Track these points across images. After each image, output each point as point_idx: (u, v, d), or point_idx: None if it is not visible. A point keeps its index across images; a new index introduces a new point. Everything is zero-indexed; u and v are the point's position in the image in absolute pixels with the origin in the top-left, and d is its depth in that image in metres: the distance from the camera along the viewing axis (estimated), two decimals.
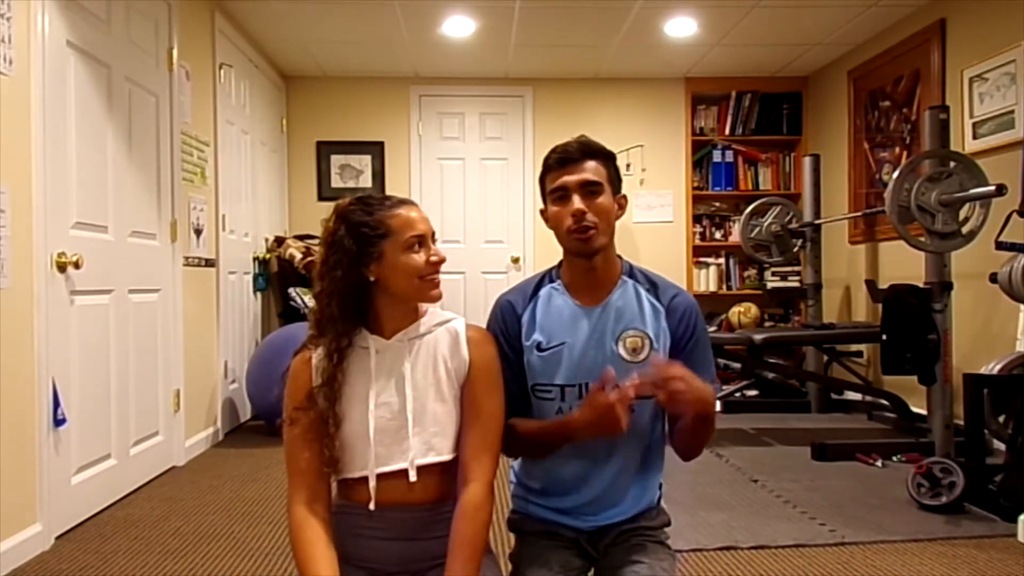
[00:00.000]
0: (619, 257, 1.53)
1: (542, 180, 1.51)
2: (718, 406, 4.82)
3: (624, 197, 1.50)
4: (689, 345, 1.47)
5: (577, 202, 1.42)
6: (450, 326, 1.40)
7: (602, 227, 1.42)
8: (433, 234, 1.38)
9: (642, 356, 1.44)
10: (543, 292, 1.51)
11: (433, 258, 1.35)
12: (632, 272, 1.51)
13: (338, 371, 1.32)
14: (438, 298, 1.38)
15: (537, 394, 1.48)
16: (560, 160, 1.46)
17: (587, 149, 1.46)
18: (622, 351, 1.43)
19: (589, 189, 1.43)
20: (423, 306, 1.40)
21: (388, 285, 1.34)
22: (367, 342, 1.36)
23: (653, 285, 1.50)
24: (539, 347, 1.47)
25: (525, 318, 1.49)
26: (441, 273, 1.38)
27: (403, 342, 1.36)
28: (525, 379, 1.48)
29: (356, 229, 1.32)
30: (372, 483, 1.32)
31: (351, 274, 1.32)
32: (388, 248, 1.32)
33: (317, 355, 1.35)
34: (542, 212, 1.52)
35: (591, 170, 1.44)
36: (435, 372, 1.36)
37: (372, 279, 1.33)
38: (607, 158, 1.48)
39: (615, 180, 1.48)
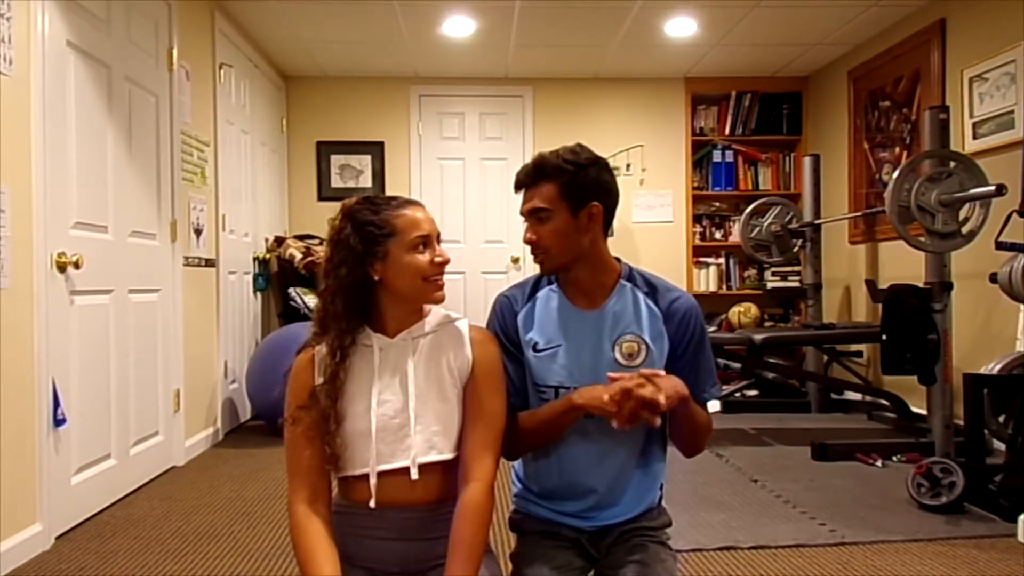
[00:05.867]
0: (617, 260, 1.52)
1: None
2: (718, 406, 4.84)
3: (596, 205, 1.43)
4: (688, 349, 1.47)
5: (527, 231, 1.46)
6: (454, 326, 1.40)
7: (556, 251, 1.44)
8: (438, 235, 1.38)
9: (638, 361, 1.44)
10: (541, 293, 1.52)
11: (437, 259, 1.35)
12: (631, 276, 1.51)
13: (341, 368, 1.33)
14: (441, 300, 1.38)
15: (536, 393, 1.48)
16: (516, 184, 1.48)
17: (537, 171, 1.44)
18: (618, 356, 1.44)
19: (537, 216, 1.43)
20: (427, 305, 1.41)
21: (392, 285, 1.34)
22: (371, 340, 1.36)
23: (652, 289, 1.50)
24: (535, 347, 1.47)
25: (521, 316, 1.50)
26: (445, 273, 1.39)
27: (407, 341, 1.37)
28: (525, 375, 1.49)
29: (362, 228, 1.33)
30: (373, 480, 1.32)
31: (356, 273, 1.32)
32: (393, 248, 1.32)
33: (320, 353, 1.35)
34: None
35: (540, 195, 1.43)
36: (438, 371, 1.36)
37: (376, 278, 1.33)
38: (563, 174, 1.41)
39: (577, 195, 1.41)
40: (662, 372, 1.34)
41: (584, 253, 1.45)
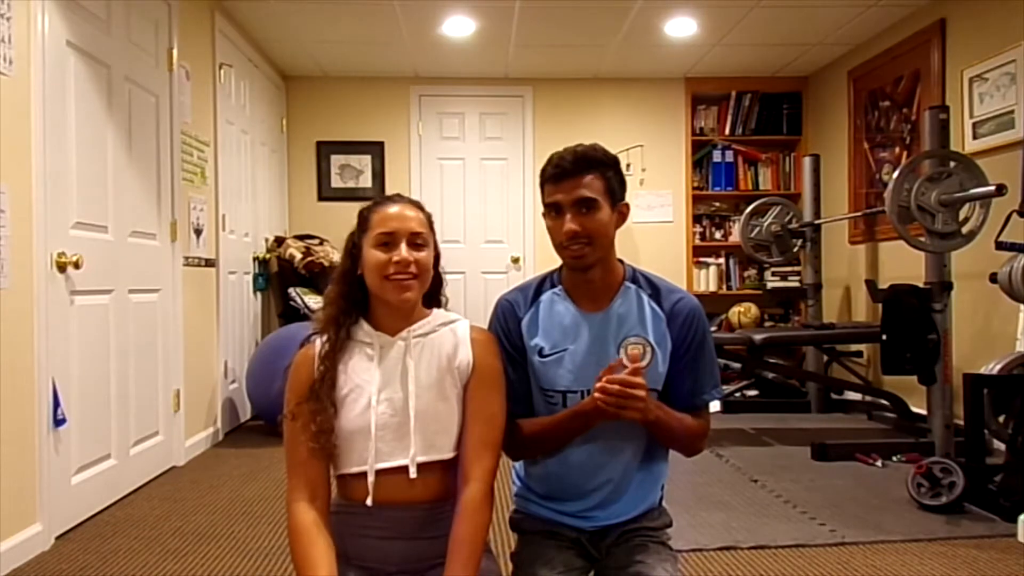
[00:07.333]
0: (621, 262, 1.52)
1: (541, 188, 1.48)
2: (718, 406, 4.84)
3: (626, 205, 1.46)
4: (691, 351, 1.47)
5: (570, 221, 1.40)
6: (454, 326, 1.40)
7: (598, 243, 1.41)
8: (412, 235, 1.34)
9: (643, 364, 1.43)
10: (545, 297, 1.51)
11: (395, 258, 1.32)
12: (635, 277, 1.50)
13: (339, 363, 1.34)
14: (404, 303, 1.34)
15: (542, 398, 1.48)
16: (555, 175, 1.42)
17: (584, 161, 1.40)
18: (623, 358, 1.43)
19: (583, 206, 1.40)
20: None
21: (366, 280, 1.37)
22: (371, 338, 1.37)
23: (655, 290, 1.49)
24: (541, 352, 1.47)
25: (526, 321, 1.49)
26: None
27: (407, 340, 1.37)
28: (528, 379, 1.48)
29: (357, 222, 1.40)
30: (371, 478, 1.32)
31: (346, 263, 1.40)
32: (364, 243, 1.36)
33: (319, 347, 1.36)
34: (544, 215, 1.51)
35: (586, 186, 1.39)
36: (438, 371, 1.36)
37: (359, 272, 1.37)
38: (606, 167, 1.42)
39: (615, 190, 1.43)
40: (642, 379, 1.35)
41: (609, 251, 1.45)
